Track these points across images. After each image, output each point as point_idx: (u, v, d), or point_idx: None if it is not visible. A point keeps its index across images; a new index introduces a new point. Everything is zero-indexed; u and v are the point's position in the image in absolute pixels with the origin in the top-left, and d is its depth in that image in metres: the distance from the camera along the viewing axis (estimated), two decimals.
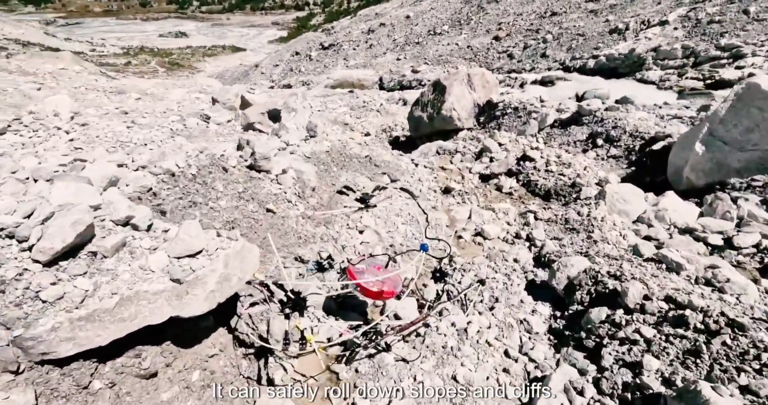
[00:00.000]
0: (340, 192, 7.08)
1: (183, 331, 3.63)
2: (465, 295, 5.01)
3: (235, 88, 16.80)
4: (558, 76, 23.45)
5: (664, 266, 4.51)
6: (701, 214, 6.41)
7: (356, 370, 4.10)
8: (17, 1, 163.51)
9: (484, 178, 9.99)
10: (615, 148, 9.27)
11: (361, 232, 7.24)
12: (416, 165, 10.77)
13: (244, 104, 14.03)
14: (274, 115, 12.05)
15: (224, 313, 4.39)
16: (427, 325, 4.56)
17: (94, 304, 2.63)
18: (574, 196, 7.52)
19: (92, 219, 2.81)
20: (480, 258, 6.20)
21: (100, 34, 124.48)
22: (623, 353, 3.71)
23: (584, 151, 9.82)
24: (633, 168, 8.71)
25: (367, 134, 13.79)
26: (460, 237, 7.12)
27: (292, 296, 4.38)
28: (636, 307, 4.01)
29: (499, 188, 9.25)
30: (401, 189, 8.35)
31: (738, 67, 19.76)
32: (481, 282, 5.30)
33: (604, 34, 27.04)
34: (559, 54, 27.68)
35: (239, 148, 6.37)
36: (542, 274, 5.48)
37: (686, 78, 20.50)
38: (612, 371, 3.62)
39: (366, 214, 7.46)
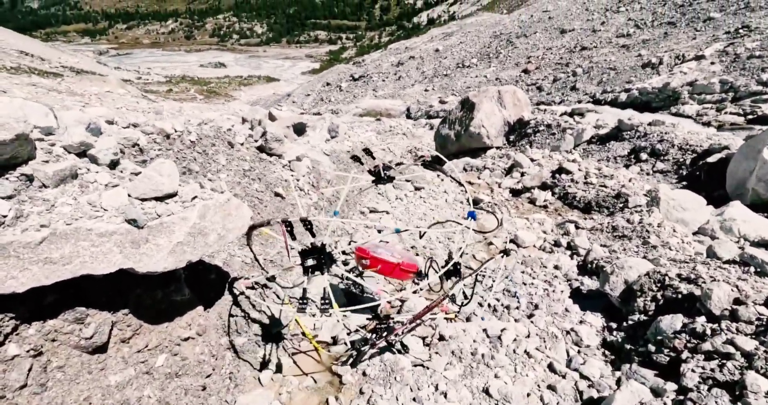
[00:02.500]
0: (354, 158, 6.30)
1: (150, 300, 2.92)
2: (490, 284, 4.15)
3: (264, 110, 16.89)
4: (588, 108, 22.78)
5: (751, 269, 3.58)
6: None
7: (363, 373, 3.27)
8: (75, 33, 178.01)
9: (516, 193, 9.21)
10: (662, 162, 8.40)
11: (379, 231, 6.53)
12: (441, 179, 10.18)
13: (272, 120, 13.68)
14: (300, 129, 11.60)
15: (209, 290, 3.68)
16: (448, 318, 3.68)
17: (11, 235, 1.98)
18: (620, 206, 6.64)
19: (28, 131, 2.19)
20: (513, 263, 5.34)
21: (146, 63, 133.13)
22: (713, 370, 2.78)
23: (626, 166, 8.97)
24: (684, 182, 7.79)
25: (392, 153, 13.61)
26: (490, 244, 6.29)
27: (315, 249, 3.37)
28: (724, 313, 3.10)
29: (532, 201, 8.44)
30: (427, 166, 8.02)
31: None
32: (505, 252, 4.43)
33: (637, 68, 26.54)
34: (590, 87, 27.22)
35: (251, 127, 5.87)
36: (590, 283, 4.58)
37: (725, 113, 19.50)
38: (700, 392, 2.69)
39: (386, 217, 6.76)
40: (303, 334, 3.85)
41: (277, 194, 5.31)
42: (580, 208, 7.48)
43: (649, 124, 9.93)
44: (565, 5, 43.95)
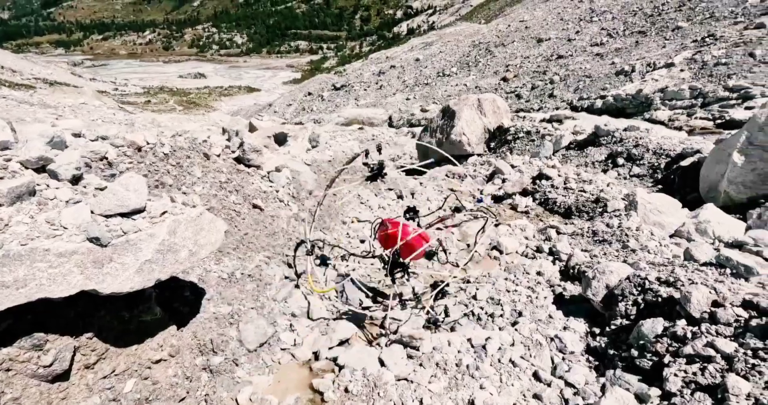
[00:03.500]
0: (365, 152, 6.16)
1: (117, 321, 2.77)
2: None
3: (245, 120, 16.64)
4: (566, 115, 23.26)
5: (727, 271, 3.64)
6: (748, 228, 5.55)
7: (346, 390, 3.16)
8: (48, 44, 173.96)
9: (497, 199, 9.25)
10: (638, 166, 8.57)
11: (362, 241, 6.44)
12: (425, 186, 10.17)
13: (252, 131, 13.31)
14: (281, 139, 11.46)
15: (183, 309, 3.53)
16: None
17: None
18: (599, 210, 6.72)
19: None
20: (496, 270, 5.32)
21: (123, 74, 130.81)
22: (695, 374, 2.78)
23: (604, 171, 9.12)
24: (659, 186, 7.96)
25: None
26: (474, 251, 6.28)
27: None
28: (704, 316, 3.11)
29: (513, 208, 8.49)
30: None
31: (748, 108, 19.46)
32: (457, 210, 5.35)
33: (611, 75, 27.33)
34: (567, 94, 27.88)
35: (228, 138, 5.75)
36: (572, 288, 4.59)
37: (696, 118, 20.23)
38: (683, 396, 2.68)
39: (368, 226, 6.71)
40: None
41: (255, 206, 5.19)
42: (560, 213, 7.54)
43: (625, 129, 10.16)
44: (541, 15, 45.12)
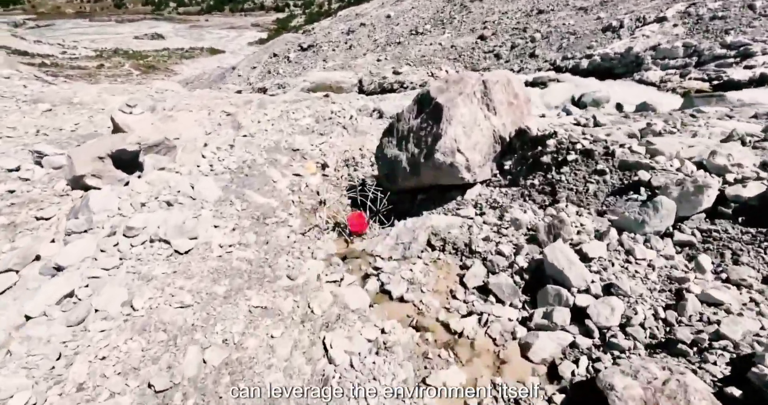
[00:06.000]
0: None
1: None
2: None
3: (148, 101, 12.97)
4: (550, 77, 21.28)
5: None
6: None
7: None
8: None
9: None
10: None
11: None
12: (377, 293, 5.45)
13: (117, 131, 8.37)
14: (129, 162, 7.22)
15: None
16: None
17: None
18: None
19: None
20: None
21: (72, 36, 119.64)
22: None
23: None
24: None
25: (324, 166, 9.58)
26: None
27: None
28: None
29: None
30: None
31: (747, 67, 17.84)
32: None
33: (597, 32, 25.12)
34: (550, 54, 25.66)
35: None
36: None
37: (690, 78, 18.53)
38: None
39: None
40: None
41: None
42: None
43: None
44: None
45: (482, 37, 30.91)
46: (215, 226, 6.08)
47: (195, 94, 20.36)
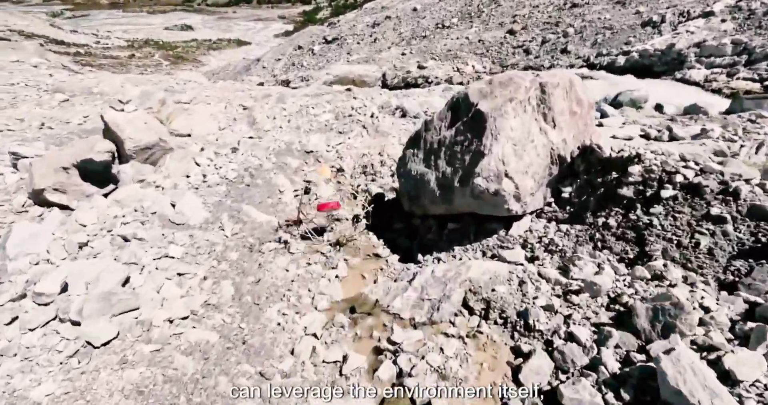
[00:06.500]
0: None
1: None
2: None
3: (160, 94, 12.52)
4: (584, 74, 20.16)
5: None
6: None
7: None
8: None
9: None
10: None
11: None
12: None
13: (107, 134, 7.36)
14: (101, 173, 6.02)
15: None
16: None
17: None
18: None
19: None
20: None
21: (106, 26, 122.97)
22: None
23: None
24: None
25: (340, 170, 8.84)
26: None
27: None
28: None
29: None
30: None
31: None
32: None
33: (636, 27, 23.68)
34: (583, 50, 24.39)
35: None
36: None
37: (738, 78, 17.15)
38: None
39: None
40: None
41: None
42: None
43: None
44: None
45: (511, 32, 29.73)
46: (179, 274, 4.50)
47: (217, 86, 20.18)
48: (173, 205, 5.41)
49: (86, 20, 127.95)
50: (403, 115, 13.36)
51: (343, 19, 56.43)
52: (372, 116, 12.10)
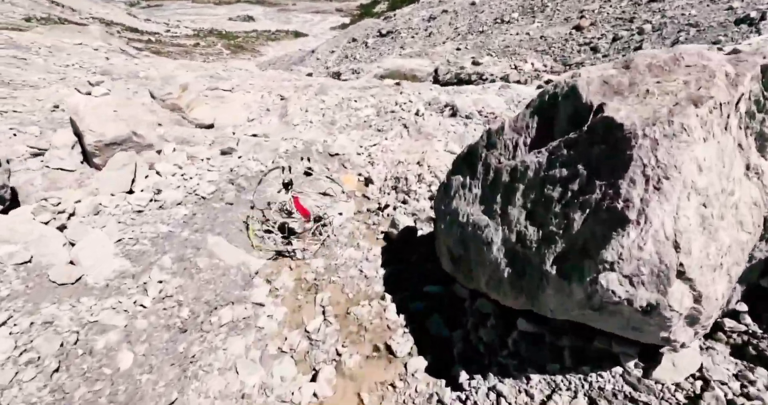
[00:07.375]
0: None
1: None
2: None
3: (184, 77, 11.83)
4: None
5: None
6: None
7: None
8: None
9: None
10: None
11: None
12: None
13: (74, 123, 6.01)
14: None
15: None
16: None
17: None
18: None
19: None
20: None
21: (176, 16, 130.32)
22: None
23: None
24: None
25: (368, 182, 6.97)
26: None
27: None
28: None
29: None
30: None
31: None
32: None
33: (728, 24, 20.86)
34: (661, 49, 21.81)
35: None
36: None
37: None
38: None
39: None
40: None
41: None
42: None
43: None
44: None
45: (578, 28, 27.44)
46: None
47: (265, 75, 20.02)
48: (72, 245, 3.27)
49: (159, 10, 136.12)
50: (453, 115, 12.08)
51: (399, 12, 55.49)
52: (417, 114, 11.00)
